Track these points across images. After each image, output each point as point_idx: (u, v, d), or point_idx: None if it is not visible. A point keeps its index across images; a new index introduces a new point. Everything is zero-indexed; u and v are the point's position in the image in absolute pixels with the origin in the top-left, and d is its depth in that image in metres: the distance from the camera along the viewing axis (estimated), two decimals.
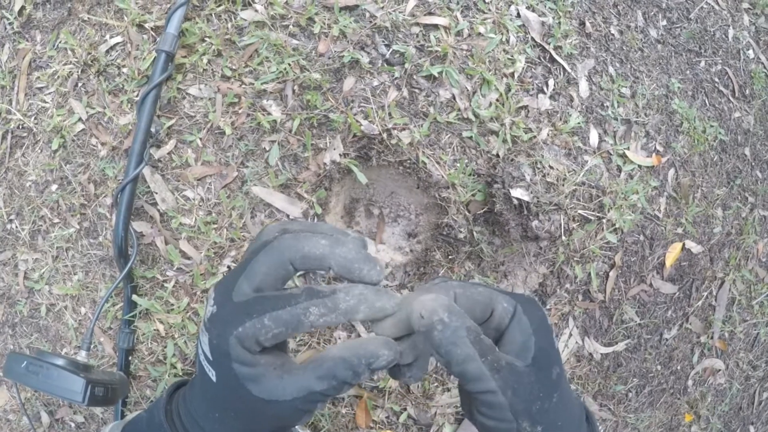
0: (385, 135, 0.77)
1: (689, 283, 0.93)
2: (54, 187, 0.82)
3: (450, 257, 0.80)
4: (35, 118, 0.83)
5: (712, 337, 0.96)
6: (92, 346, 0.78)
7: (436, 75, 0.78)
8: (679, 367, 0.94)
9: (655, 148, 0.90)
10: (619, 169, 0.86)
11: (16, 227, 0.84)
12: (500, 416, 0.26)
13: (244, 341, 0.25)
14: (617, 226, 0.84)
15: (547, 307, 0.85)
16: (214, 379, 0.27)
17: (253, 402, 0.26)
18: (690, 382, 0.96)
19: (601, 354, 0.89)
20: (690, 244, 0.92)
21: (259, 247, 0.27)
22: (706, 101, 0.97)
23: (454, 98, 0.79)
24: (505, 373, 0.25)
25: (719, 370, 0.96)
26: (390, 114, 0.78)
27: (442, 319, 0.25)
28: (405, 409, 0.83)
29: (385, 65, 0.78)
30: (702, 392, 0.97)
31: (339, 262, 0.26)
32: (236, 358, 0.26)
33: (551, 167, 0.76)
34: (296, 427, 0.75)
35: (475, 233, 0.79)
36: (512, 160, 0.77)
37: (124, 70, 0.80)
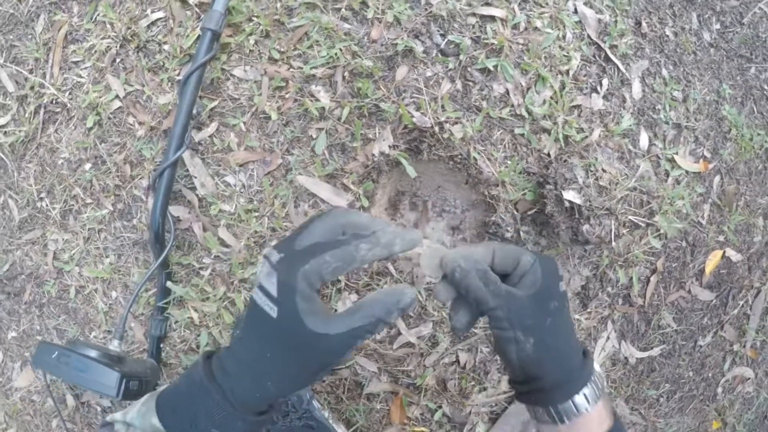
0: (437, 128, 0.74)
1: (726, 291, 0.93)
2: (87, 165, 0.79)
3: None
4: (70, 93, 0.79)
5: (744, 346, 0.96)
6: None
7: (491, 68, 0.75)
8: (710, 375, 0.94)
9: (703, 153, 0.89)
10: (667, 174, 0.85)
11: (47, 206, 0.81)
12: (501, 326, 0.36)
13: (309, 276, 0.31)
14: (662, 231, 0.83)
15: (588, 310, 0.84)
16: (274, 315, 0.31)
17: (307, 335, 0.31)
18: (719, 390, 0.96)
19: (636, 358, 0.89)
20: (730, 252, 0.91)
21: (313, 216, 0.35)
22: (755, 108, 0.95)
23: (508, 93, 0.77)
24: (503, 297, 0.36)
25: (748, 378, 0.97)
26: (443, 107, 0.75)
27: (459, 265, 0.36)
28: (440, 407, 0.82)
29: (440, 55, 0.76)
30: (730, 399, 0.97)
31: (381, 226, 0.35)
32: (300, 292, 0.31)
33: (604, 170, 0.74)
34: (331, 423, 0.74)
35: (521, 233, 0.77)
36: (565, 161, 0.75)
37: (165, 47, 0.77)
